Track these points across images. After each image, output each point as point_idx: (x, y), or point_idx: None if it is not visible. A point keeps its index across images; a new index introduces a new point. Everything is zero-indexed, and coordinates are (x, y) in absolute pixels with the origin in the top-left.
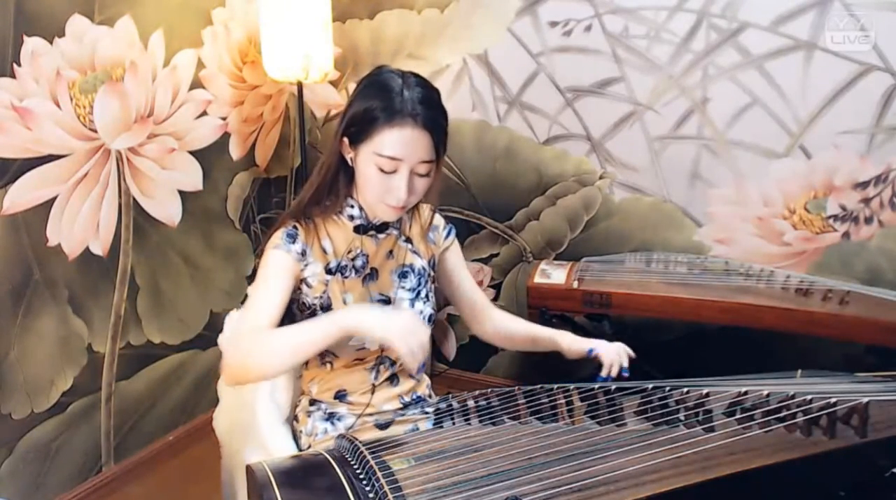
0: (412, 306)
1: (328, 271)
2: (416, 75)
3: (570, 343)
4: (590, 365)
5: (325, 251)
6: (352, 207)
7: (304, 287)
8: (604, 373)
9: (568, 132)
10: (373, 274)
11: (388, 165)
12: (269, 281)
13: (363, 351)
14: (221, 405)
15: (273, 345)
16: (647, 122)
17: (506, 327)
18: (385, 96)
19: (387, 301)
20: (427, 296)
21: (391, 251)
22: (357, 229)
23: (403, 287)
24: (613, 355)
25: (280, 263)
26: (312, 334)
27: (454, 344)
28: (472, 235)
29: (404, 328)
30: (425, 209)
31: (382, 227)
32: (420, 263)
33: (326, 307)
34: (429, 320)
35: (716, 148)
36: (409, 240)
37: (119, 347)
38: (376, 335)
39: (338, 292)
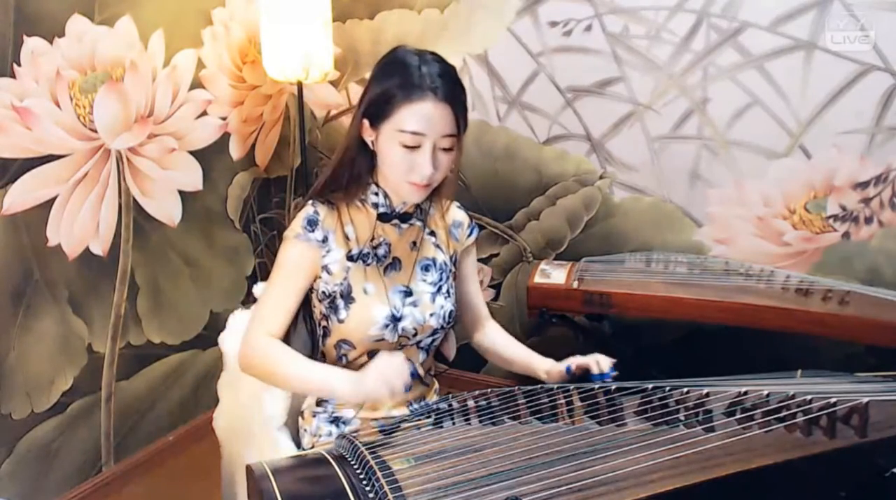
0: (433, 300)
1: (349, 258)
2: (433, 53)
3: (549, 369)
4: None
5: (347, 238)
6: (376, 194)
7: (324, 274)
8: (595, 370)
9: (568, 132)
10: (395, 264)
11: (411, 140)
12: (284, 280)
13: (381, 343)
14: (221, 405)
15: (280, 374)
16: (647, 122)
17: (496, 343)
18: (403, 73)
19: (408, 293)
20: (448, 292)
21: (415, 242)
22: (381, 217)
23: (425, 280)
24: (591, 358)
25: (298, 257)
26: (312, 384)
27: (454, 344)
28: None
29: (379, 378)
30: (447, 203)
31: (406, 216)
32: (442, 257)
33: (346, 295)
34: (449, 317)
35: (716, 148)
36: (433, 233)
37: (119, 347)
38: (360, 398)
39: (359, 280)
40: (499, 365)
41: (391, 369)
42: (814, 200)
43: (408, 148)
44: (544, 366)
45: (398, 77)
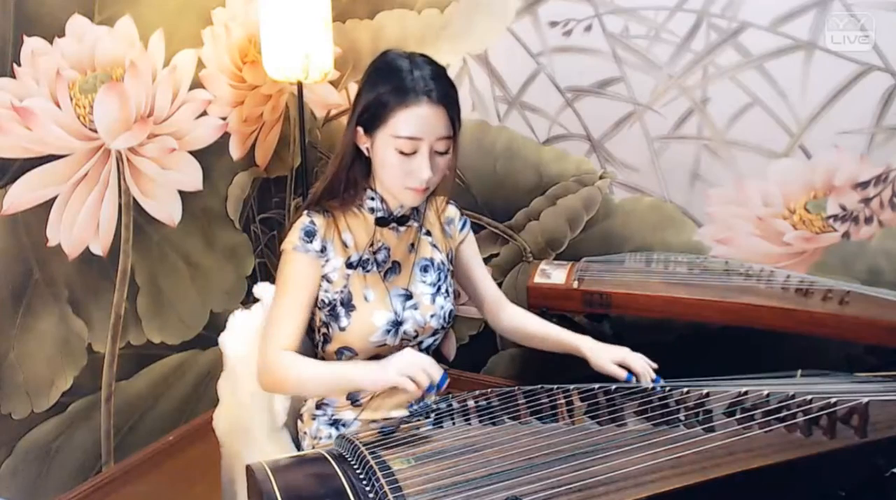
0: (433, 301)
1: (349, 266)
2: (422, 54)
3: (597, 356)
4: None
5: (345, 245)
6: (372, 199)
7: (324, 283)
8: (648, 378)
9: (568, 132)
10: (394, 267)
11: (407, 145)
12: (292, 294)
13: (383, 348)
14: (221, 405)
15: (305, 383)
16: (647, 122)
17: (520, 324)
18: (395, 78)
19: (408, 296)
20: (447, 291)
21: (413, 244)
22: (378, 222)
23: (424, 281)
24: (644, 368)
25: (301, 269)
26: (338, 381)
27: (454, 344)
28: None
29: (404, 366)
30: (441, 201)
31: (403, 219)
32: (440, 256)
33: (347, 302)
34: (449, 316)
35: (716, 148)
36: (429, 233)
37: (119, 347)
38: (389, 382)
39: (359, 288)
40: (530, 346)
41: (419, 360)
42: (814, 200)
43: (404, 154)
44: (586, 343)
45: (390, 82)
